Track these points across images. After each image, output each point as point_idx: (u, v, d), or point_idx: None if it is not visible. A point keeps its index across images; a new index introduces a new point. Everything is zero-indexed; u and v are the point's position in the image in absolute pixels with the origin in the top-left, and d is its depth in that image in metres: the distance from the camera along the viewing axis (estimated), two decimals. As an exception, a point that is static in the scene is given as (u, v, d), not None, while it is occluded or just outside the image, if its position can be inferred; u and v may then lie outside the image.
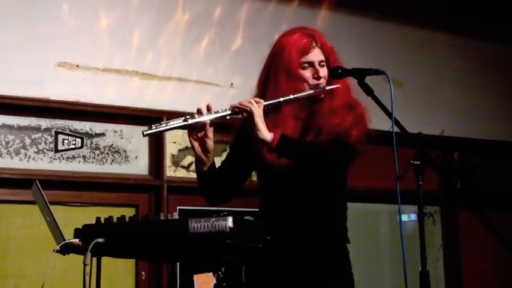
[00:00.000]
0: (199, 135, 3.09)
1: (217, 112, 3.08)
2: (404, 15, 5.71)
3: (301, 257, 3.12)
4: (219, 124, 3.15)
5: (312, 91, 3.13)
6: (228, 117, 3.10)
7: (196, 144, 3.10)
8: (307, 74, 3.11)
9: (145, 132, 3.04)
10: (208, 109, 3.07)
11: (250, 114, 3.00)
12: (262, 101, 3.04)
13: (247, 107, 3.01)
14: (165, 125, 3.06)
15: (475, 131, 5.91)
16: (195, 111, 3.09)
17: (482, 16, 6.02)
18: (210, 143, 3.09)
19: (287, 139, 3.00)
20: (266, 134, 2.98)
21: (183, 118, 3.07)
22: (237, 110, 3.06)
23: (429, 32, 5.83)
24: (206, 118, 3.06)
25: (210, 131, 3.08)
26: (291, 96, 3.08)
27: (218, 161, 3.25)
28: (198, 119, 3.05)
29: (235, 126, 3.29)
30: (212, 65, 5.04)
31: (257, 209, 3.27)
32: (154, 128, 3.05)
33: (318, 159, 3.06)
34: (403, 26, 5.72)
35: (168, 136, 4.79)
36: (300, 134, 3.12)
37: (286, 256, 3.12)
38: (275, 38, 3.24)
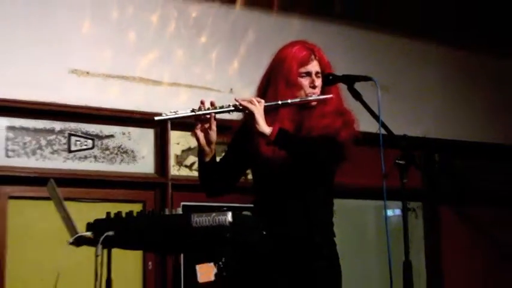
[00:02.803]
0: (205, 126, 3.11)
1: (221, 107, 3.11)
2: (392, 26, 5.70)
3: (292, 249, 3.13)
4: (219, 127, 3.16)
5: (307, 98, 3.15)
6: (230, 112, 3.12)
7: (201, 135, 3.13)
8: (305, 82, 3.14)
9: (156, 118, 3.07)
10: (212, 104, 3.09)
11: (252, 110, 3.03)
12: (262, 100, 3.07)
13: (249, 104, 3.04)
14: (174, 113, 3.08)
15: (455, 134, 5.91)
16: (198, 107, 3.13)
17: (466, 28, 6.03)
18: (213, 134, 3.12)
19: (285, 132, 3.03)
20: (265, 128, 3.01)
21: (191, 109, 3.09)
22: (239, 107, 3.08)
23: (414, 42, 5.83)
24: (212, 111, 3.08)
25: (214, 124, 3.10)
26: (289, 101, 3.11)
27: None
28: (204, 111, 3.08)
29: (233, 128, 3.32)
30: (213, 72, 5.04)
31: (252, 205, 3.28)
32: (164, 115, 3.07)
33: (312, 152, 3.07)
34: (390, 37, 5.72)
35: (172, 138, 4.79)
36: (294, 132, 3.14)
37: (278, 249, 3.12)
38: (274, 50, 3.25)
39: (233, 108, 3.09)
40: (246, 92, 3.30)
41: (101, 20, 4.73)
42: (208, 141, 3.15)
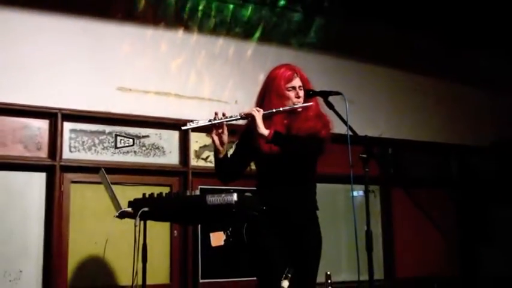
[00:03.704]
0: (219, 131, 3.10)
1: (231, 117, 3.13)
2: (354, 55, 5.68)
3: (286, 220, 3.12)
4: (229, 130, 3.16)
5: (294, 106, 3.17)
6: (237, 120, 3.15)
7: (216, 138, 3.16)
8: (291, 94, 3.19)
9: (183, 128, 3.12)
10: (224, 115, 3.13)
11: (254, 117, 3.04)
12: (261, 110, 3.10)
13: (251, 112, 3.06)
14: (196, 123, 3.09)
15: (402, 134, 5.89)
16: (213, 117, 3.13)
17: (404, 55, 6.01)
18: (225, 137, 3.16)
19: (279, 133, 3.07)
20: (264, 131, 3.04)
21: (208, 119, 3.10)
22: (244, 116, 3.11)
23: (371, 66, 5.80)
24: (224, 120, 3.10)
25: (226, 129, 3.14)
26: (281, 109, 3.14)
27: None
28: (218, 120, 3.10)
29: (239, 131, 3.33)
30: (222, 87, 5.01)
31: (254, 188, 3.26)
32: (189, 125, 3.09)
33: (299, 146, 3.10)
34: (354, 62, 5.70)
35: (192, 137, 4.77)
36: (286, 133, 3.15)
37: (275, 220, 3.11)
38: (266, 73, 3.30)
39: (239, 117, 3.13)
40: (247, 102, 3.28)
41: (141, 49, 4.69)
42: (222, 143, 3.18)
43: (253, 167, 3.34)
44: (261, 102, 3.21)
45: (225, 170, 3.26)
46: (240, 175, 3.31)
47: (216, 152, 3.21)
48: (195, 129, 4.55)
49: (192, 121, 3.11)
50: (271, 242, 3.09)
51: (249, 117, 3.08)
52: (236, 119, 3.13)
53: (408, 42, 6.00)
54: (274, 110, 3.11)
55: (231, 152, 3.30)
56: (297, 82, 3.18)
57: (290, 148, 3.07)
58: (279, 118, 3.15)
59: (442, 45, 6.21)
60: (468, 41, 6.20)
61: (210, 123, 3.12)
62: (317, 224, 3.20)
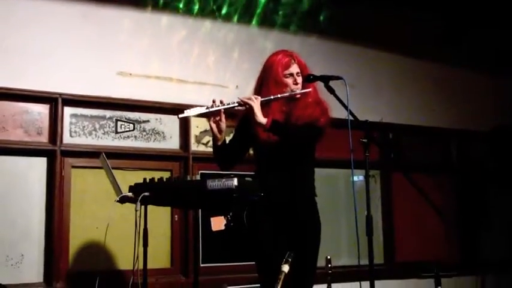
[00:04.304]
0: (217, 119, 3.09)
1: (228, 104, 3.11)
2: (355, 38, 5.66)
3: (284, 207, 3.12)
4: (228, 114, 3.15)
5: (292, 92, 3.15)
6: (235, 107, 3.13)
7: (214, 126, 3.14)
8: (289, 81, 3.16)
9: (180, 116, 3.09)
10: (221, 102, 3.11)
11: (251, 105, 3.02)
12: (259, 97, 3.07)
13: (249, 100, 3.04)
14: (193, 111, 3.09)
15: (403, 119, 5.88)
16: (210, 104, 3.12)
17: (406, 40, 5.99)
18: (223, 125, 3.14)
19: (277, 122, 3.05)
20: (262, 119, 3.02)
21: (205, 106, 3.09)
22: (241, 103, 3.08)
23: (372, 51, 5.78)
24: (221, 107, 3.09)
25: (224, 117, 3.11)
26: (279, 95, 3.11)
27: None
28: (216, 107, 3.09)
29: (238, 116, 3.32)
30: (224, 73, 5.00)
31: (253, 173, 3.26)
32: (186, 113, 3.08)
33: (297, 135, 3.08)
34: (356, 47, 5.68)
35: (193, 122, 4.76)
36: (284, 121, 3.14)
37: (273, 206, 3.11)
38: (265, 58, 3.29)
39: (237, 104, 3.11)
40: (247, 88, 3.26)
41: (141, 34, 4.67)
42: (220, 130, 3.16)
43: (251, 152, 3.35)
44: (259, 90, 3.20)
45: (224, 156, 3.25)
46: (238, 161, 3.32)
47: (215, 139, 3.20)
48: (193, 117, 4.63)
49: (189, 109, 3.10)
50: (269, 228, 3.10)
51: (247, 105, 3.06)
52: (234, 107, 3.12)
53: (409, 26, 5.97)
54: (272, 97, 3.10)
55: (230, 137, 3.30)
56: (294, 68, 3.16)
57: (288, 137, 3.06)
58: (278, 105, 3.14)
59: (443, 29, 6.18)
60: (471, 24, 6.17)
61: (207, 110, 3.10)
62: (316, 210, 3.20)
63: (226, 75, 4.98)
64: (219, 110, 3.11)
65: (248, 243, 3.22)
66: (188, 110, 3.09)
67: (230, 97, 3.30)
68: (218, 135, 3.17)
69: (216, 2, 5.01)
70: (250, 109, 3.03)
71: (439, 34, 6.16)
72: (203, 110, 3.09)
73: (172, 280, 4.52)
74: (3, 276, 3.92)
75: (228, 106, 3.11)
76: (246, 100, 3.05)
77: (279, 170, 3.13)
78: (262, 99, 3.07)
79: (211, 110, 3.10)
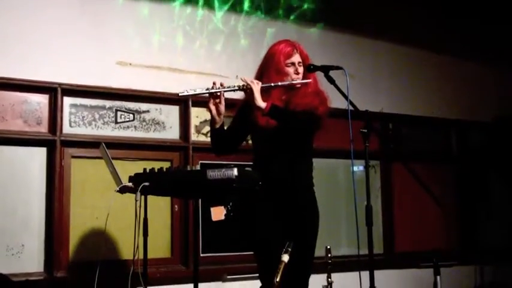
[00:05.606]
0: (216, 101, 3.09)
1: (229, 87, 3.14)
2: (356, 29, 5.65)
3: (281, 195, 3.13)
4: (227, 103, 3.16)
5: (292, 81, 3.15)
6: (235, 91, 3.16)
7: (213, 108, 3.17)
8: (290, 70, 3.18)
9: (179, 94, 3.13)
10: (222, 85, 3.13)
11: (252, 89, 3.04)
12: (260, 82, 3.09)
13: (250, 83, 3.06)
14: (193, 91, 3.11)
15: (402, 109, 5.88)
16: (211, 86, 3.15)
17: (408, 30, 5.98)
18: (222, 108, 3.18)
19: (276, 106, 3.06)
20: (261, 103, 3.04)
21: (206, 87, 3.13)
22: (242, 86, 3.11)
23: (372, 41, 5.77)
24: (222, 90, 3.11)
25: (223, 99, 3.16)
26: (279, 83, 3.13)
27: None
28: (216, 89, 3.12)
29: (237, 105, 3.33)
30: (224, 63, 4.99)
31: (251, 163, 3.27)
32: (186, 92, 3.10)
33: (295, 121, 3.09)
34: (356, 37, 5.67)
35: (193, 113, 4.76)
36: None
37: (270, 195, 3.12)
38: (267, 48, 3.30)
39: (237, 88, 3.13)
40: (248, 77, 3.25)
41: (141, 24, 4.66)
42: (218, 113, 3.18)
43: (250, 142, 3.35)
44: (260, 78, 3.21)
45: (220, 142, 3.27)
46: (234, 149, 3.33)
47: (213, 122, 3.22)
48: (194, 102, 4.63)
49: (190, 89, 3.13)
50: (265, 213, 3.11)
51: (247, 88, 3.07)
52: (234, 90, 3.13)
53: (409, 15, 5.96)
54: (272, 84, 3.11)
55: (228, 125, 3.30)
56: (296, 58, 3.17)
57: (286, 122, 3.07)
58: (277, 93, 3.15)
59: (443, 18, 6.17)
60: (470, 14, 6.16)
61: (207, 91, 3.13)
62: (314, 198, 3.20)
63: (227, 65, 4.97)
64: (219, 92, 3.13)
65: (244, 229, 3.24)
66: (188, 89, 3.11)
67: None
68: (217, 118, 3.19)
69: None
70: (250, 92, 3.05)
71: (439, 24, 6.15)
72: (204, 91, 3.13)
73: (172, 270, 4.53)
74: (3, 266, 3.94)
75: (229, 89, 3.13)
76: (247, 81, 3.08)
77: (276, 158, 3.13)
78: (263, 85, 3.09)
79: (211, 91, 3.13)
